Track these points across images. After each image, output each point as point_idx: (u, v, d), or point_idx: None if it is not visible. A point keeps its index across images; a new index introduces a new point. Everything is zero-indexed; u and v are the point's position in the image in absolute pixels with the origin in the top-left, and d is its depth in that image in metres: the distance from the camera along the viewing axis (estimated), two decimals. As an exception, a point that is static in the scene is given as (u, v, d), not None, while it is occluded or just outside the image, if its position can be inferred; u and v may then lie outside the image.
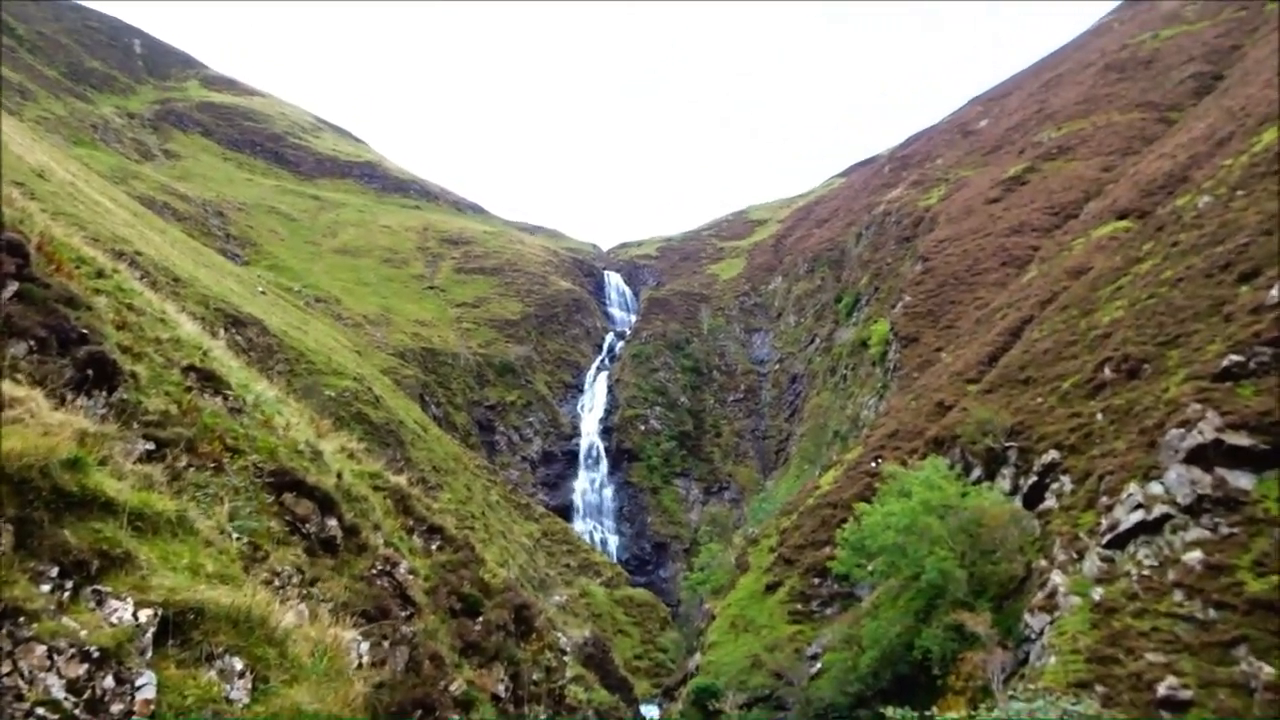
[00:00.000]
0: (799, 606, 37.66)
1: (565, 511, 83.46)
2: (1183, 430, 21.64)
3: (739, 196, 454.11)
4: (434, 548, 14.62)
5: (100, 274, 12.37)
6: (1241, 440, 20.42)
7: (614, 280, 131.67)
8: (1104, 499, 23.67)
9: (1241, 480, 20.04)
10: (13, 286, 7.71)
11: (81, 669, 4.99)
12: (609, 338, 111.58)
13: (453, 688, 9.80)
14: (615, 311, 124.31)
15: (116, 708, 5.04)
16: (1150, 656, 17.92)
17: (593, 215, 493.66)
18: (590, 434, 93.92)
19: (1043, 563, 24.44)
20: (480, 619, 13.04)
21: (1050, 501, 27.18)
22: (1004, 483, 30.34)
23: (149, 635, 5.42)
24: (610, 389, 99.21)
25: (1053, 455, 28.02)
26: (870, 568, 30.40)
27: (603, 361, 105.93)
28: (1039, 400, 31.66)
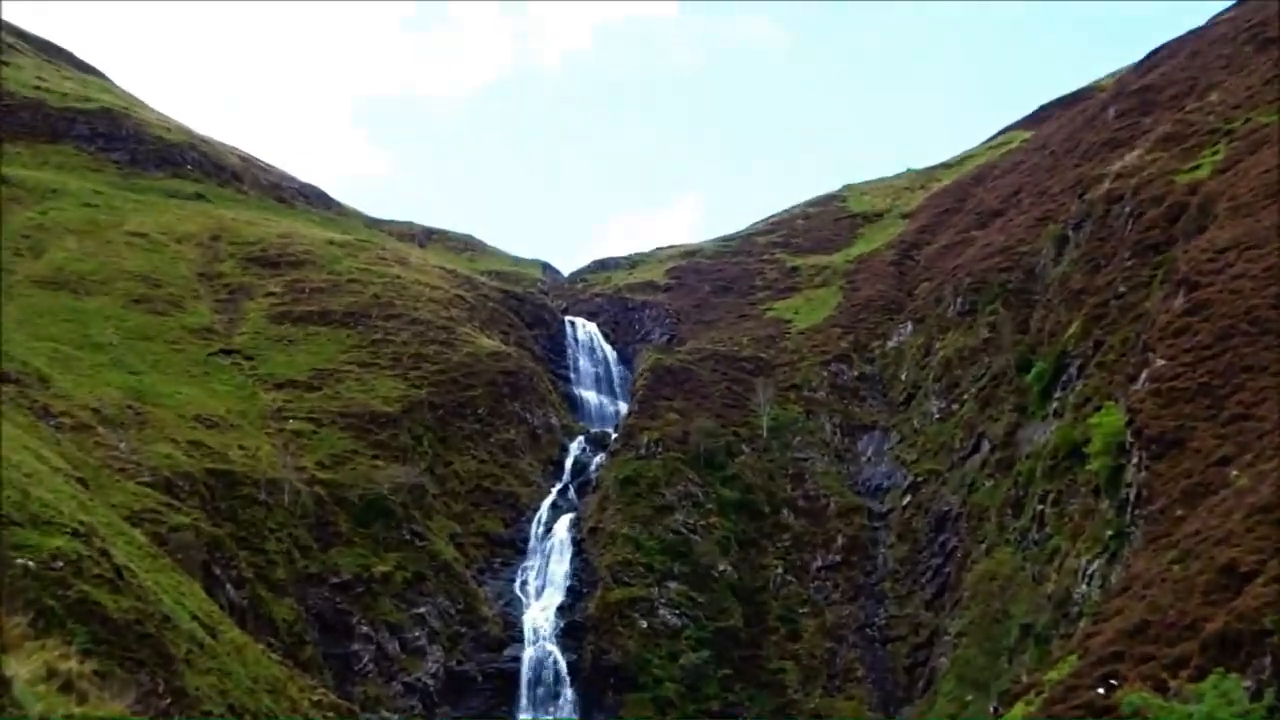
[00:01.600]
0: None
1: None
2: None
3: (824, 171, 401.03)
4: None
5: None
6: None
7: (585, 333, 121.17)
8: None
9: None
10: None
11: None
12: (575, 445, 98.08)
13: None
14: (586, 394, 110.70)
15: None
16: None
17: (543, 213, 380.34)
18: (541, 637, 76.50)
19: None
20: None
21: None
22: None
23: None
24: (578, 546, 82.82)
25: None
26: None
27: (564, 493, 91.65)
28: None
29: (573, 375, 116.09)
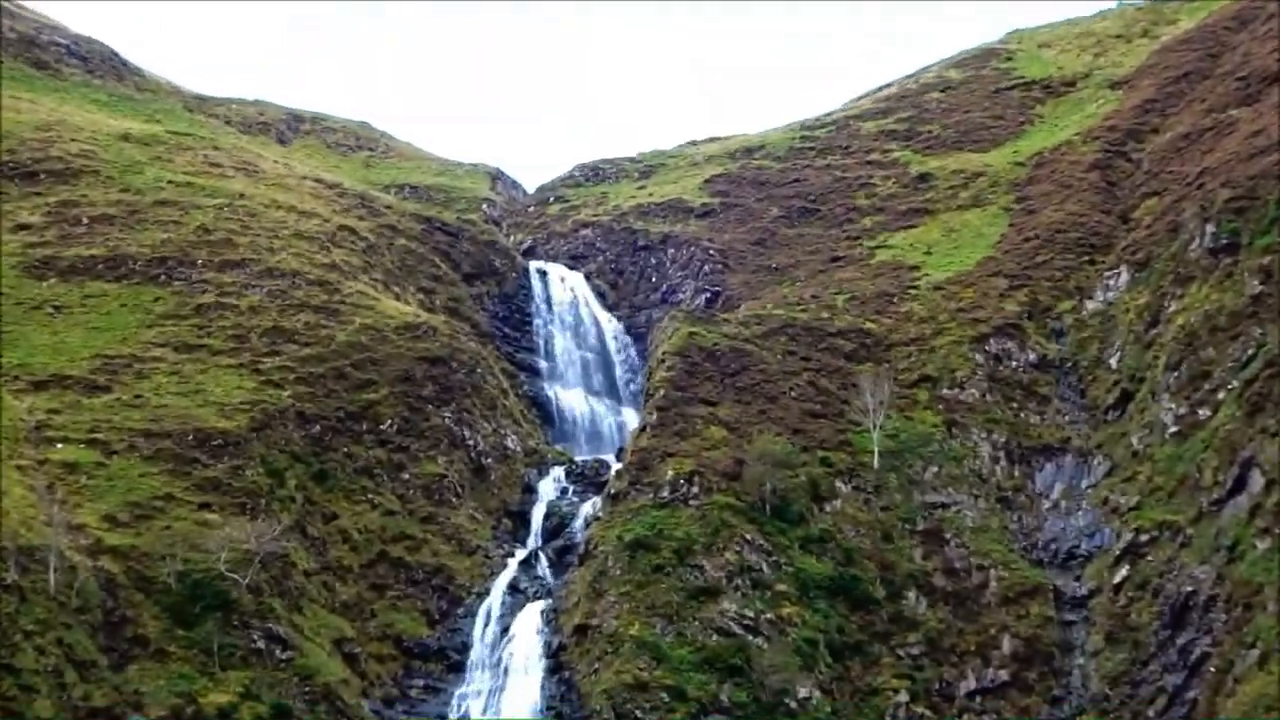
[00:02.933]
0: None
1: None
2: None
3: (977, 10, 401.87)
4: None
5: None
6: None
7: (564, 290, 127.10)
8: None
9: None
10: None
11: None
12: (549, 483, 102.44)
13: None
14: (567, 395, 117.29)
15: None
16: None
17: (491, 93, 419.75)
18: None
19: None
20: None
21: None
22: None
23: None
24: (556, 659, 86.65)
25: None
26: None
27: (531, 566, 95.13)
28: None
29: (542, 363, 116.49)
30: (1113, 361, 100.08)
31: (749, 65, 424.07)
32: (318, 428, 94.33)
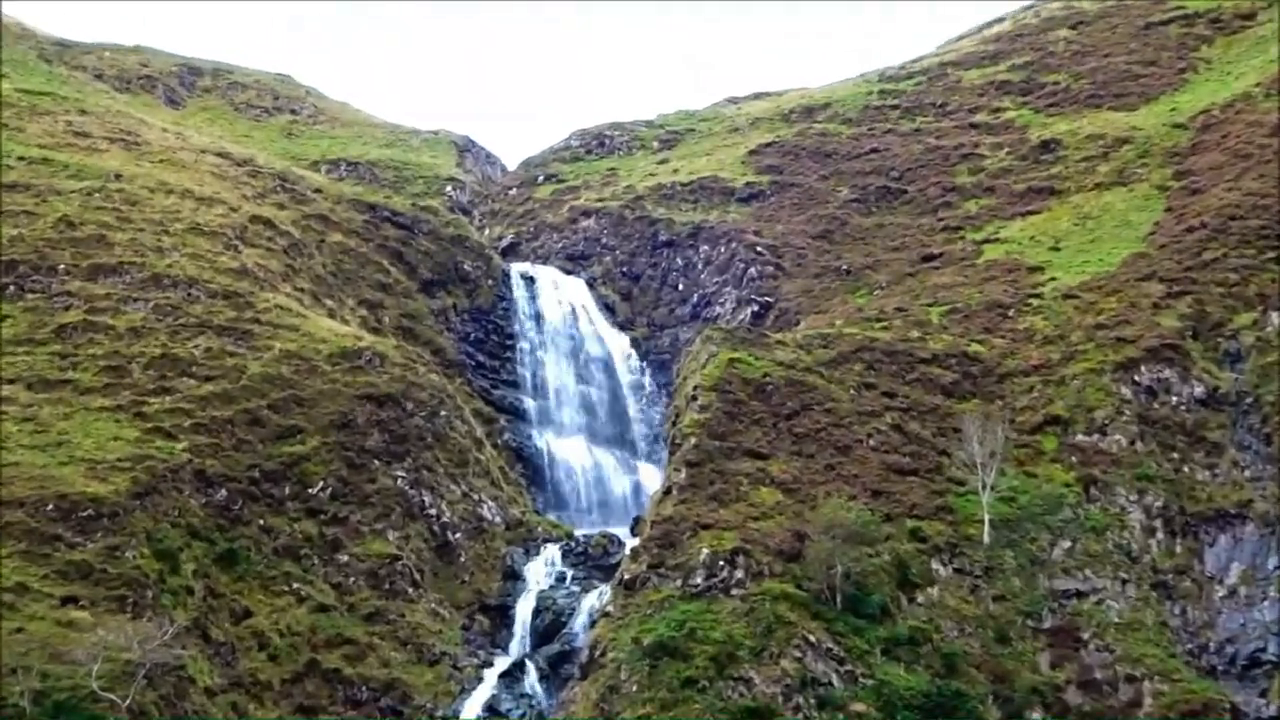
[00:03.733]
0: None
1: None
2: None
3: None
4: None
5: None
6: None
7: (558, 301, 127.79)
8: None
9: None
10: None
11: None
12: (540, 565, 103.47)
13: None
14: (563, 444, 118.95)
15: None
16: None
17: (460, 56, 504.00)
18: None
19: None
20: None
21: None
22: None
23: None
24: None
25: None
26: None
27: (514, 681, 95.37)
28: None
29: (529, 401, 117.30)
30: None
31: (749, 65, 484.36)
32: (223, 493, 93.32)
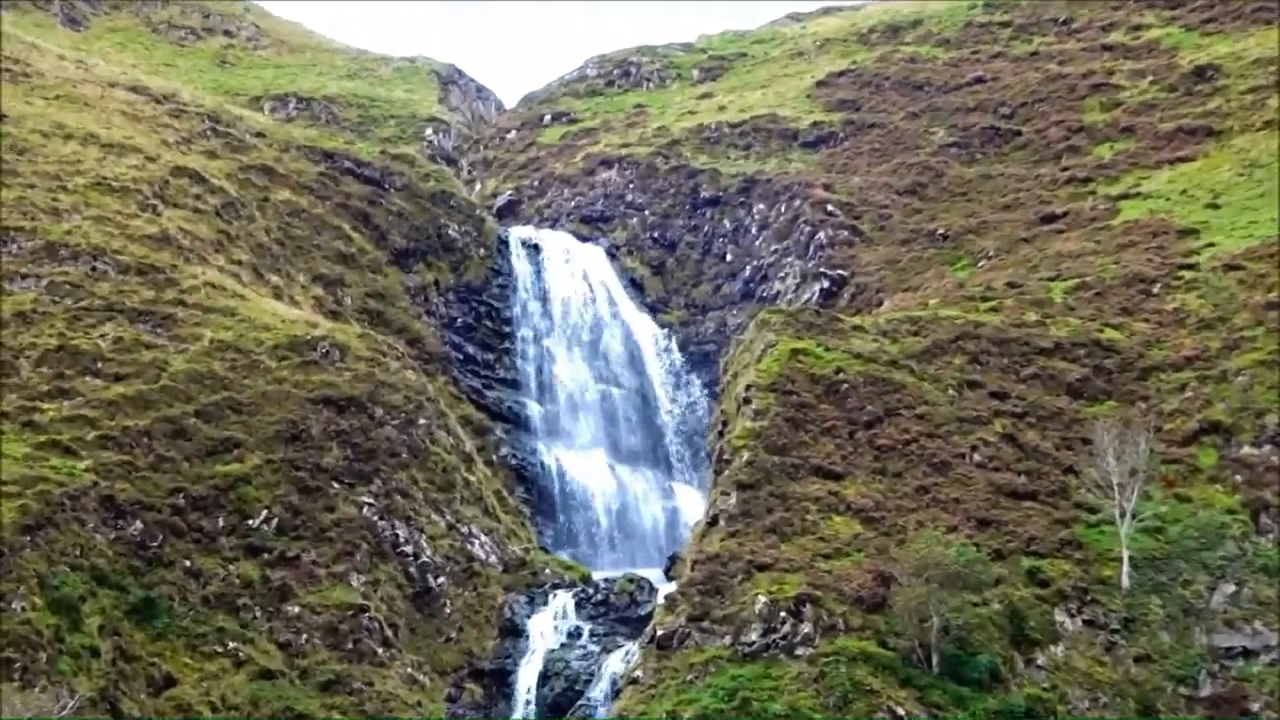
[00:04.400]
0: None
1: None
2: None
3: None
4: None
5: None
6: None
7: (569, 276, 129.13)
8: None
9: None
10: None
11: None
12: (546, 618, 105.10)
13: None
14: (576, 461, 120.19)
15: None
16: None
17: None
18: None
19: None
20: None
21: None
22: None
23: None
24: None
25: None
26: None
27: None
28: None
29: (533, 405, 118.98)
30: None
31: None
32: (138, 525, 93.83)
